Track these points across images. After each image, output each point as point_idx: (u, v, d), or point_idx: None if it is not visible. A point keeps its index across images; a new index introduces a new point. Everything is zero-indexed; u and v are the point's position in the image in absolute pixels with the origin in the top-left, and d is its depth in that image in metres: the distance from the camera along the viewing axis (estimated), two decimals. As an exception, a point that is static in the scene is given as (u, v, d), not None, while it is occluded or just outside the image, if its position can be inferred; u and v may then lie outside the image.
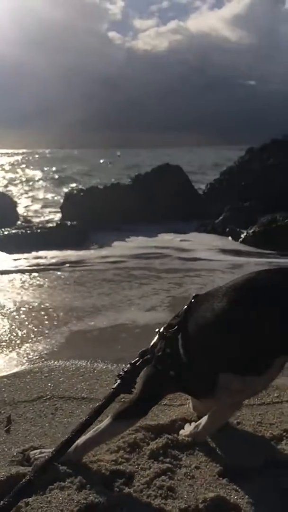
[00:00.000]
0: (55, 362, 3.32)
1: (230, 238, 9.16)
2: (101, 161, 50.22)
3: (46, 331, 4.10)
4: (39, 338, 3.94)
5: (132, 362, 2.11)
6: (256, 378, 1.84)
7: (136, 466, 2.00)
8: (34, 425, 2.42)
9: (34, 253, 7.75)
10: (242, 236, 8.82)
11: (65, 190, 16.29)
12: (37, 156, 66.65)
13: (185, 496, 1.81)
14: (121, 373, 2.08)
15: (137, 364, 2.09)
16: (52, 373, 3.11)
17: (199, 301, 2.02)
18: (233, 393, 1.87)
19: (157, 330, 2.15)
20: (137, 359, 2.12)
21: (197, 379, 1.96)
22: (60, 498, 1.79)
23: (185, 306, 2.07)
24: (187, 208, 11.99)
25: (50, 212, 13.97)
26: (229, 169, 13.99)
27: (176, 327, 2.01)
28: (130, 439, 2.19)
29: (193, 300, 2.07)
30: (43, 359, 3.45)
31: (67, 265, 7.00)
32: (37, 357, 3.51)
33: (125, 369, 2.09)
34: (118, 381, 2.06)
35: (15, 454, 2.10)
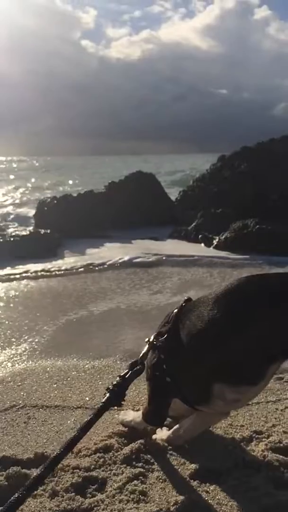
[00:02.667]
0: (28, 370, 3.30)
1: (202, 244, 9.27)
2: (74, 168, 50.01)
3: (13, 339, 4.06)
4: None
5: (122, 374, 2.10)
6: (251, 388, 1.81)
7: (109, 472, 2.03)
8: (6, 434, 2.41)
9: (5, 262, 7.65)
10: (215, 242, 8.95)
11: (39, 198, 16.15)
12: (14, 165, 65.67)
13: (157, 499, 1.84)
14: (109, 386, 2.05)
15: (126, 376, 2.08)
16: (25, 382, 3.10)
17: (190, 307, 1.95)
18: (228, 402, 1.85)
19: (146, 339, 2.12)
20: (126, 371, 2.11)
21: (190, 389, 1.93)
22: (32, 506, 1.79)
23: (175, 311, 2.02)
24: (161, 215, 12.09)
25: (22, 221, 13.82)
26: (202, 176, 14.18)
27: (165, 335, 1.98)
28: (103, 444, 2.21)
29: (183, 304, 2.03)
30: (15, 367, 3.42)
31: (38, 273, 6.95)
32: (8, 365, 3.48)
33: (115, 382, 2.07)
34: (108, 394, 2.02)
35: (-14, 464, 2.09)
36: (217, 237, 8.95)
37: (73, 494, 1.87)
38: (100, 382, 3.08)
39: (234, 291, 1.80)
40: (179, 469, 2.04)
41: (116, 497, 1.85)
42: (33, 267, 7.25)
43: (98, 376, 3.20)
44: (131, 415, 2.39)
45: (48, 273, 6.97)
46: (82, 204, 11.63)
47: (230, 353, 1.73)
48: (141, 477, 1.97)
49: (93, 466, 2.05)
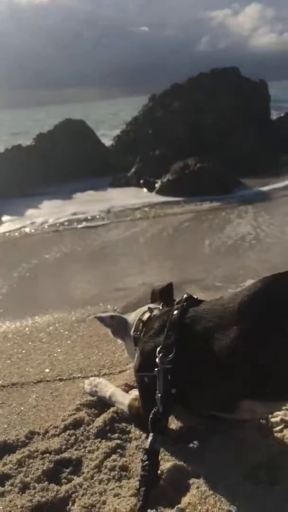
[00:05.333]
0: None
1: (145, 189, 9.00)
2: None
3: None
4: None
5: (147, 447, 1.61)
6: (283, 402, 1.73)
7: (83, 450, 1.82)
8: None
9: None
10: (157, 186, 8.70)
11: None
12: None
13: (141, 472, 1.67)
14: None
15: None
16: (-25, 362, 2.80)
17: (202, 314, 1.69)
18: (257, 414, 1.75)
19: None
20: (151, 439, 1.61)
21: (206, 401, 1.73)
22: (1, 507, 1.57)
23: (175, 315, 1.74)
24: (97, 163, 11.57)
25: None
26: (134, 119, 13.65)
27: (174, 351, 1.68)
28: (72, 420, 2.00)
29: (185, 306, 1.76)
30: None
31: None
32: None
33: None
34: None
35: None
36: (159, 180, 8.70)
37: (46, 483, 1.66)
38: (59, 349, 2.84)
39: (256, 298, 1.56)
40: (159, 434, 1.88)
41: (95, 478, 1.66)
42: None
43: (56, 342, 2.95)
44: (110, 390, 2.13)
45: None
46: (11, 161, 10.85)
47: (261, 369, 1.52)
48: (119, 450, 1.79)
49: (64, 447, 1.84)
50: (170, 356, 1.68)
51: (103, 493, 1.59)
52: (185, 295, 1.83)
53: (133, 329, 2.05)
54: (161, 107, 13.38)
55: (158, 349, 1.72)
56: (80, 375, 2.47)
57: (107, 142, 13.37)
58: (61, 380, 2.45)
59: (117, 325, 2.16)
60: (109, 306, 3.45)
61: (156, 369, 1.70)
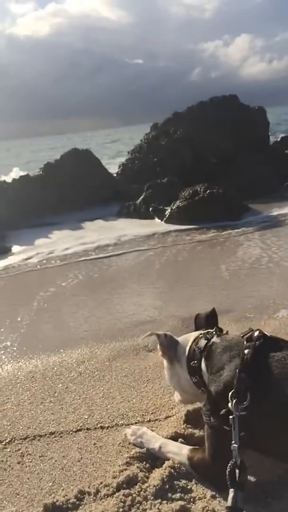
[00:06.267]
0: (8, 391, 2.80)
1: (155, 218, 8.90)
2: None
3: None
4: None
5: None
6: None
7: (143, 512, 1.65)
8: (0, 483, 1.95)
9: None
10: (166, 213, 8.62)
11: None
12: None
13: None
14: None
15: None
16: (4, 406, 2.61)
17: (274, 361, 1.59)
18: None
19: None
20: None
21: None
22: None
23: (249, 354, 1.61)
24: (104, 192, 11.53)
25: None
26: (139, 147, 13.70)
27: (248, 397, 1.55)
28: (125, 477, 1.82)
29: (258, 345, 1.64)
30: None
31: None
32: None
33: None
34: None
35: (-15, 533, 1.64)
36: (169, 208, 8.62)
37: None
38: (93, 392, 2.66)
39: None
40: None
41: None
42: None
43: (89, 383, 2.77)
44: (159, 441, 1.96)
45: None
46: (18, 191, 10.81)
47: None
48: (184, 513, 1.61)
49: (121, 510, 1.66)
50: (245, 403, 1.54)
51: None
52: (256, 332, 1.71)
53: (186, 354, 1.92)
54: (165, 135, 13.48)
55: (231, 393, 1.58)
56: (122, 422, 2.29)
57: (111, 170, 13.40)
58: (102, 428, 2.27)
59: (168, 345, 2.03)
60: (140, 341, 3.28)
61: (230, 416, 1.54)
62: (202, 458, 1.76)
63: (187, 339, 1.98)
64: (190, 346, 1.91)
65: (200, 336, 1.92)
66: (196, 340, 1.91)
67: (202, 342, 1.87)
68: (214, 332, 1.89)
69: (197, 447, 1.87)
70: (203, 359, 1.83)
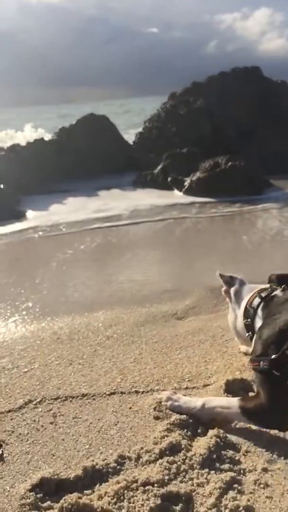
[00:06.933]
0: (34, 352, 2.71)
1: (174, 189, 8.68)
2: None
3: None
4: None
5: None
6: None
7: (190, 483, 1.55)
8: (33, 443, 1.86)
9: None
10: (186, 184, 8.40)
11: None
12: None
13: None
14: None
15: None
16: (33, 366, 2.52)
17: None
18: None
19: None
20: None
21: None
22: None
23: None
24: (119, 160, 11.27)
25: None
26: (157, 116, 13.33)
27: None
28: (168, 443, 1.72)
29: None
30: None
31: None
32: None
33: None
34: None
35: (23, 493, 1.55)
36: (188, 179, 8.40)
37: (157, 525, 1.38)
38: (123, 356, 2.56)
39: None
40: (278, 466, 1.60)
41: (217, 521, 1.38)
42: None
43: (118, 347, 2.67)
44: (200, 400, 1.89)
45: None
46: (33, 155, 10.58)
47: None
48: (235, 485, 1.52)
49: (167, 478, 1.57)
50: None
51: None
52: None
53: (248, 298, 2.03)
54: (184, 105, 13.09)
55: None
56: (158, 387, 2.19)
57: (127, 139, 13.08)
58: (137, 392, 2.17)
59: (235, 287, 2.19)
60: (167, 309, 3.17)
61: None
62: (257, 404, 1.70)
63: (255, 286, 2.10)
64: (254, 293, 2.02)
65: (267, 288, 2.01)
66: (261, 290, 2.01)
67: (266, 292, 1.97)
68: (281, 288, 1.95)
69: (246, 396, 1.90)
70: (261, 305, 1.92)
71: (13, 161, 10.16)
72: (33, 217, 7.41)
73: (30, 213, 7.67)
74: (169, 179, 8.89)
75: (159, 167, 9.50)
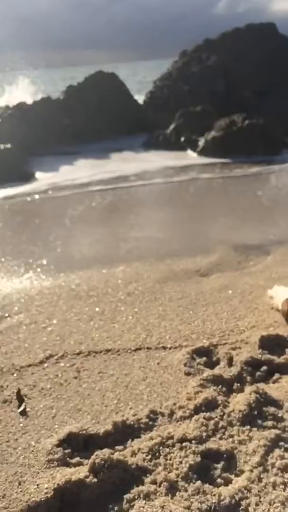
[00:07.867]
0: (51, 308, 2.58)
1: (187, 149, 8.35)
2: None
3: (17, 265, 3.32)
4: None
5: None
6: None
7: (231, 440, 1.43)
8: (57, 398, 1.75)
9: None
10: (200, 144, 8.08)
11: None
12: None
13: None
14: None
15: None
16: (52, 321, 2.40)
17: None
18: None
19: None
20: None
21: None
22: (155, 516, 1.19)
23: None
24: (130, 120, 10.88)
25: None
26: (168, 75, 12.80)
27: None
28: (203, 399, 1.60)
29: None
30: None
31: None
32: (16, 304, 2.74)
33: None
34: None
35: (50, 448, 1.45)
36: (203, 138, 8.07)
37: (198, 483, 1.27)
38: (146, 312, 2.43)
39: None
40: None
41: (264, 481, 1.27)
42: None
43: (140, 304, 2.54)
44: None
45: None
46: (40, 114, 10.22)
47: None
48: (281, 443, 1.40)
49: (205, 434, 1.45)
50: None
51: (286, 504, 1.19)
52: None
53: None
54: (196, 62, 12.54)
55: None
56: (186, 343, 2.07)
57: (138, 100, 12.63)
58: (164, 348, 2.05)
59: None
60: (190, 266, 3.02)
61: None
62: None
63: None
64: None
65: None
66: None
67: None
68: None
69: None
70: None
71: (20, 121, 9.82)
72: (43, 178, 7.19)
73: (39, 174, 7.44)
74: (182, 139, 8.56)
75: (172, 126, 9.13)
